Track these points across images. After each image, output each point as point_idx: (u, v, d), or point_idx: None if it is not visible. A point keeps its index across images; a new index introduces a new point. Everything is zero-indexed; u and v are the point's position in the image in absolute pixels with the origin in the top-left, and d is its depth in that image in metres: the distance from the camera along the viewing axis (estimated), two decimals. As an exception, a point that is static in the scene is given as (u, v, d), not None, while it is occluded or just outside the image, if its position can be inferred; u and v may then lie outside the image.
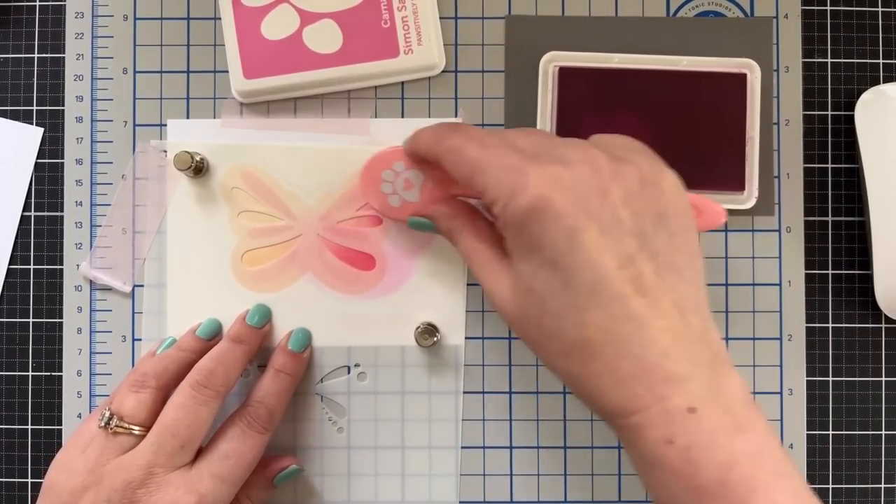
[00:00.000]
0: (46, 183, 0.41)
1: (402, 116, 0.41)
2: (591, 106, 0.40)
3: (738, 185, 0.40)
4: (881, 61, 0.42)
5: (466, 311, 0.41)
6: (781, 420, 0.41)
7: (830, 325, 0.41)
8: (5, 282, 0.41)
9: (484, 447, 0.41)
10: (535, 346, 0.31)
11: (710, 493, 0.27)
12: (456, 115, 0.41)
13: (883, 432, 0.41)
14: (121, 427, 0.34)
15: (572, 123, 0.40)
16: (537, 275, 0.30)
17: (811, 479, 0.41)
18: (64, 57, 0.41)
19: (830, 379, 0.41)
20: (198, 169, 0.40)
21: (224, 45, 0.41)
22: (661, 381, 0.28)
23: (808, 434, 0.41)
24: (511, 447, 0.41)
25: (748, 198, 0.40)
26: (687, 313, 0.29)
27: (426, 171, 0.37)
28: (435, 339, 0.40)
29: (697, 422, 0.27)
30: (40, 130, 0.41)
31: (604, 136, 0.33)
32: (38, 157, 0.41)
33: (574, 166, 0.30)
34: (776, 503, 0.27)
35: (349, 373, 0.41)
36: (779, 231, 0.41)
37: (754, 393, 0.41)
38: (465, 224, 0.35)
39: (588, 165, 0.30)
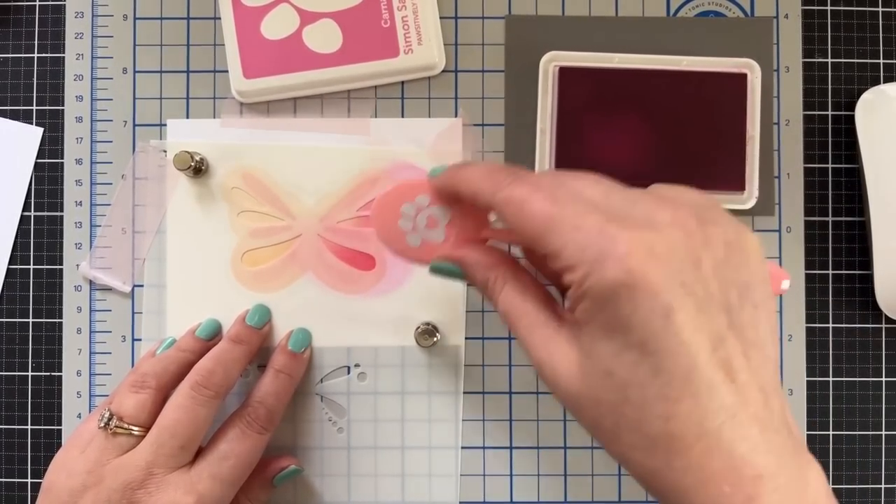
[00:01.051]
0: (46, 183, 0.41)
1: (402, 116, 0.41)
2: (592, 106, 0.40)
3: (738, 185, 0.40)
4: (881, 61, 0.42)
5: (466, 311, 0.41)
6: (782, 420, 0.41)
7: (831, 325, 0.41)
8: (5, 282, 0.41)
9: (484, 447, 0.41)
10: (603, 433, 0.27)
11: None
12: (456, 115, 0.41)
13: (883, 432, 0.41)
14: (120, 428, 0.34)
15: (572, 123, 0.40)
16: (620, 357, 0.26)
17: (811, 479, 0.41)
18: (64, 57, 0.41)
19: (831, 379, 0.41)
20: (197, 169, 0.40)
21: (224, 44, 0.40)
22: (750, 479, 0.25)
23: (808, 434, 0.41)
24: (511, 447, 0.41)
25: (748, 198, 0.40)
26: (770, 397, 0.26)
27: (455, 208, 0.32)
28: (435, 339, 0.40)
29: None
30: (40, 130, 0.41)
31: (674, 190, 0.29)
32: (37, 157, 0.41)
33: (665, 231, 0.26)
34: None
35: (349, 373, 0.41)
36: (779, 231, 0.41)
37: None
38: (508, 277, 0.30)
39: (680, 230, 0.26)
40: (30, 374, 0.41)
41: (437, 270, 0.32)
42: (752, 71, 0.40)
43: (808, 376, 0.41)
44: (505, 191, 0.29)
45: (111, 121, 0.41)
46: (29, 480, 0.40)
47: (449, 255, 0.32)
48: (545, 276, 0.33)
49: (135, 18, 0.41)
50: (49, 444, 0.41)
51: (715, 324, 0.26)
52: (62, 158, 0.41)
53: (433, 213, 0.33)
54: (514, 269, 0.31)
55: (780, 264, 0.41)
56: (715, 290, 0.26)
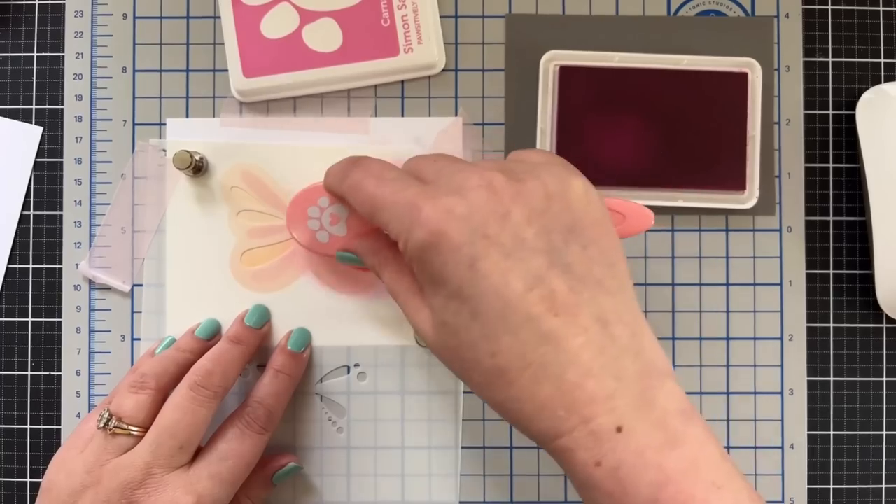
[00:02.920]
0: (45, 182, 0.41)
1: (402, 115, 0.41)
2: (592, 105, 0.40)
3: (739, 184, 0.40)
4: (882, 60, 0.41)
5: (466, 311, 0.41)
6: (782, 420, 0.41)
7: (831, 325, 0.41)
8: (4, 281, 0.41)
9: (484, 447, 0.41)
10: (460, 377, 0.31)
11: None
12: (456, 115, 0.41)
13: (883, 432, 0.41)
14: (120, 428, 0.34)
15: (573, 122, 0.40)
16: (447, 308, 0.29)
17: (811, 479, 0.41)
18: (63, 56, 0.41)
19: (831, 379, 0.41)
20: (197, 168, 0.40)
21: (224, 43, 0.40)
22: (584, 401, 0.27)
23: (808, 434, 0.41)
24: (511, 447, 0.41)
25: (749, 197, 0.40)
26: (610, 325, 0.28)
27: (348, 205, 0.36)
28: (435, 338, 0.40)
29: (625, 441, 0.27)
30: (39, 129, 0.41)
31: (518, 152, 0.33)
32: (37, 156, 0.41)
33: (469, 193, 0.29)
34: None
35: (349, 373, 0.41)
36: (780, 231, 0.41)
37: (755, 393, 0.41)
38: (388, 258, 0.34)
39: (484, 190, 0.29)
40: (29, 373, 0.41)
41: (342, 259, 0.37)
42: (753, 70, 0.40)
43: (808, 376, 0.41)
44: (346, 180, 0.33)
45: (111, 120, 0.41)
46: (28, 480, 0.40)
47: (345, 247, 0.37)
48: None
49: (134, 17, 0.41)
50: (48, 443, 0.40)
51: (528, 266, 0.28)
52: (61, 157, 0.41)
53: (334, 211, 0.37)
54: (393, 251, 0.34)
55: (781, 264, 0.41)
56: (529, 236, 0.28)
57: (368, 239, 0.36)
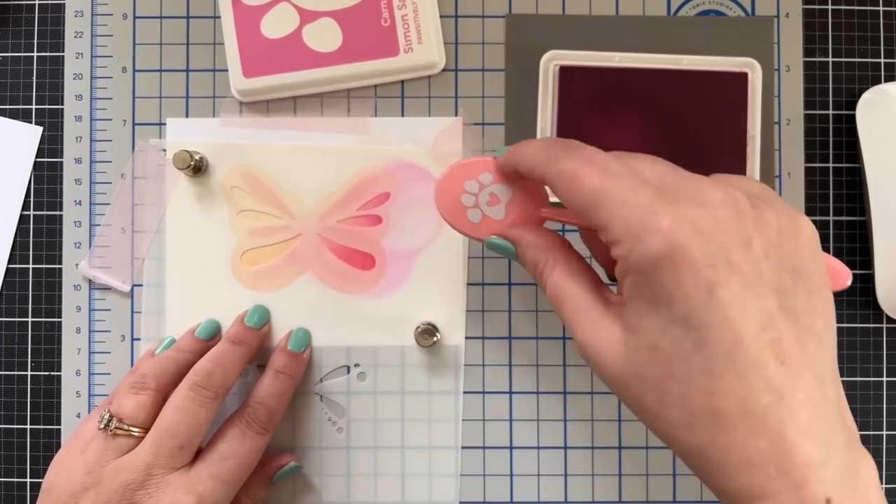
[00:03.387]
0: (45, 182, 0.41)
1: (402, 115, 0.41)
2: (592, 105, 0.40)
3: (738, 184, 0.40)
4: (882, 60, 0.41)
5: (466, 311, 0.41)
6: (782, 420, 0.41)
7: (831, 325, 0.41)
8: (4, 281, 0.41)
9: (484, 447, 0.41)
10: (647, 412, 0.27)
11: None
12: (456, 115, 0.41)
13: (883, 432, 0.41)
14: (120, 429, 0.34)
15: (573, 122, 0.40)
16: (665, 332, 0.26)
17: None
18: (63, 56, 0.41)
19: (831, 379, 0.41)
20: (197, 168, 0.40)
21: (223, 43, 0.40)
22: (798, 465, 0.24)
23: (808, 434, 0.41)
24: (511, 447, 0.41)
25: (749, 197, 0.40)
26: (825, 384, 0.26)
27: (517, 188, 0.33)
28: (435, 339, 0.40)
29: None
30: (39, 129, 0.41)
31: (733, 177, 0.29)
32: (37, 156, 0.41)
33: (715, 209, 0.26)
34: None
35: (349, 373, 0.41)
36: (780, 231, 0.41)
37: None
38: (558, 260, 0.30)
39: (730, 208, 0.26)
40: (29, 373, 0.41)
41: (492, 246, 0.33)
42: (753, 70, 0.40)
43: (808, 376, 0.41)
44: (559, 164, 0.29)
45: (110, 120, 0.41)
46: (28, 480, 0.40)
47: (505, 233, 0.32)
48: (599, 260, 0.33)
49: (134, 17, 0.41)
50: (48, 443, 0.40)
51: (764, 304, 0.25)
52: (61, 157, 0.41)
53: (495, 191, 0.33)
54: (565, 253, 0.31)
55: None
56: (766, 271, 0.26)
57: (534, 232, 0.32)
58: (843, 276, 0.31)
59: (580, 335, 0.28)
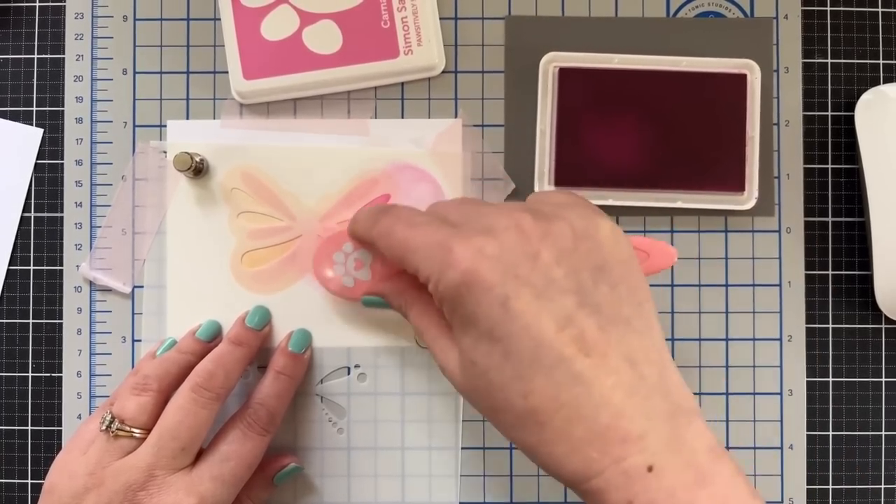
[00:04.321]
0: (46, 184, 0.41)
1: (402, 117, 0.41)
2: (592, 106, 0.40)
3: (738, 185, 0.40)
4: (881, 62, 0.42)
5: (466, 312, 0.41)
6: (782, 421, 0.41)
7: (830, 325, 0.41)
8: (5, 283, 0.41)
9: (484, 448, 0.41)
10: (488, 417, 0.30)
11: None
12: (456, 116, 0.41)
13: (883, 433, 0.41)
14: (122, 430, 0.34)
15: (572, 124, 0.40)
16: (477, 348, 0.29)
17: (810, 479, 0.41)
18: (64, 58, 0.41)
19: (830, 379, 0.41)
20: (197, 170, 0.40)
21: (224, 45, 0.40)
22: (616, 441, 0.27)
23: (808, 434, 0.41)
24: (511, 448, 0.41)
25: (748, 198, 0.40)
26: (639, 365, 0.28)
27: (373, 250, 0.36)
28: (435, 339, 0.40)
29: (657, 480, 0.27)
30: (40, 131, 0.41)
31: (539, 195, 0.33)
32: (37, 158, 0.41)
33: (499, 234, 0.29)
34: None
35: (349, 374, 0.41)
36: (779, 232, 0.41)
37: (754, 394, 0.41)
38: (414, 299, 0.34)
39: (513, 231, 0.29)
40: (30, 374, 0.41)
41: (367, 303, 0.38)
42: (752, 72, 0.40)
43: (808, 377, 0.41)
44: (376, 225, 0.34)
45: (111, 122, 0.41)
46: (29, 481, 0.41)
47: (370, 290, 0.37)
48: None
49: (135, 19, 0.41)
50: (49, 445, 0.41)
51: (559, 306, 0.28)
52: (62, 159, 0.41)
53: (359, 257, 0.38)
54: (418, 292, 0.34)
55: (780, 264, 0.41)
56: (559, 276, 0.29)
57: (392, 281, 0.36)
58: (669, 253, 0.35)
59: (436, 359, 0.32)
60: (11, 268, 0.41)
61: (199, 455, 0.35)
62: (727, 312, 0.41)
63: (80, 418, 0.40)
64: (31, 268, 0.41)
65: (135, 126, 0.41)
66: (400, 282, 0.36)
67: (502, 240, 0.29)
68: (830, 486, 0.41)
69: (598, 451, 0.27)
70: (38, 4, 0.41)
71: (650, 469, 0.27)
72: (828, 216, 0.41)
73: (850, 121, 0.40)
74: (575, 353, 0.28)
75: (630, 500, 0.27)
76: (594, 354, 0.28)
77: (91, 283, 0.41)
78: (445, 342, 0.32)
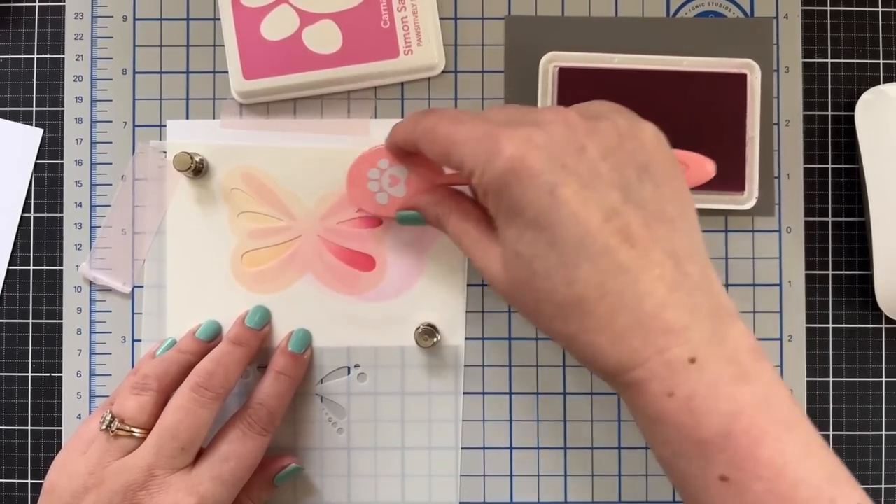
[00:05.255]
0: (46, 184, 0.41)
1: (402, 117, 0.41)
2: (591, 106, 0.40)
3: (738, 185, 0.40)
4: (881, 61, 0.42)
5: (466, 312, 0.41)
6: (781, 420, 0.41)
7: (831, 325, 0.41)
8: (5, 282, 0.41)
9: (484, 448, 0.41)
10: (529, 313, 0.30)
11: (714, 446, 0.27)
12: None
13: (883, 432, 0.41)
14: (122, 430, 0.34)
15: (572, 124, 0.40)
16: (522, 238, 0.29)
17: (811, 479, 0.41)
18: (63, 58, 0.41)
19: (831, 379, 0.41)
20: (197, 170, 0.40)
21: (224, 45, 0.40)
22: (659, 332, 0.27)
23: (808, 434, 0.41)
24: (511, 447, 0.41)
25: (748, 198, 0.40)
26: (683, 262, 0.28)
27: (410, 164, 0.37)
28: (435, 339, 0.40)
29: (699, 372, 0.27)
30: (40, 131, 0.41)
31: (582, 103, 0.33)
32: (37, 158, 0.41)
33: (547, 126, 0.29)
34: (783, 453, 0.26)
35: (349, 373, 0.41)
36: (779, 231, 0.41)
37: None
38: (452, 207, 0.35)
39: (561, 124, 0.29)
40: (30, 374, 0.41)
41: (402, 219, 0.37)
42: (752, 71, 0.40)
43: (808, 376, 0.41)
44: (420, 125, 0.33)
45: (111, 122, 0.41)
46: (29, 481, 0.41)
47: (406, 204, 0.37)
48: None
49: (134, 19, 0.41)
50: (49, 444, 0.41)
51: (605, 198, 0.28)
52: (62, 159, 0.41)
53: (394, 173, 0.37)
54: (457, 200, 0.35)
55: (780, 264, 0.41)
56: (604, 170, 0.29)
57: (429, 193, 0.36)
58: (707, 166, 0.35)
59: (476, 262, 0.32)
60: (11, 268, 0.41)
61: (199, 455, 0.35)
62: (727, 312, 0.41)
63: (79, 418, 0.40)
64: (31, 268, 0.41)
65: (134, 126, 0.41)
66: (437, 192, 0.36)
67: (549, 131, 0.29)
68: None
69: (640, 341, 0.27)
70: (37, 4, 0.41)
71: (693, 361, 0.27)
72: (828, 216, 0.41)
73: (851, 120, 0.40)
74: (620, 243, 0.28)
75: (671, 391, 0.27)
76: (638, 246, 0.28)
77: (91, 283, 0.41)
78: (486, 242, 0.32)
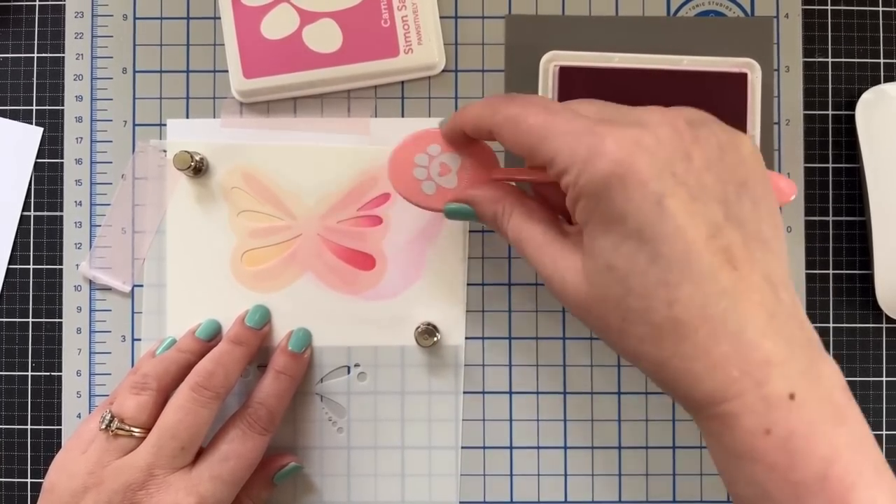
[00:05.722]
0: (46, 182, 0.41)
1: (402, 116, 0.41)
2: (592, 105, 0.40)
3: (738, 184, 0.40)
4: (882, 61, 0.41)
5: (466, 311, 0.41)
6: (782, 420, 0.41)
7: (831, 324, 0.41)
8: (5, 281, 0.41)
9: (484, 447, 0.41)
10: (612, 333, 0.28)
11: (808, 490, 0.25)
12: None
13: (883, 432, 0.41)
14: (122, 429, 0.34)
15: (572, 123, 0.40)
16: (619, 249, 0.27)
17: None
18: (64, 56, 0.41)
19: (831, 379, 0.41)
20: (197, 169, 0.40)
21: (224, 44, 0.40)
22: (759, 363, 0.25)
23: (808, 434, 0.41)
24: (511, 447, 0.41)
25: (749, 198, 0.40)
26: (778, 288, 0.27)
27: (465, 153, 0.34)
28: (435, 339, 0.40)
29: (798, 410, 0.25)
30: (40, 130, 0.41)
31: (672, 108, 0.30)
32: (37, 157, 0.41)
33: (654, 128, 0.27)
34: (874, 500, 0.25)
35: (349, 373, 0.41)
36: (779, 231, 0.41)
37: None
38: (514, 205, 0.32)
39: (668, 128, 0.27)
40: (29, 373, 0.41)
41: (451, 213, 0.34)
42: (753, 71, 0.40)
43: (808, 376, 0.41)
44: (501, 111, 0.30)
45: (111, 121, 0.41)
46: (29, 480, 0.41)
47: (459, 197, 0.34)
48: (553, 204, 0.33)
49: (134, 18, 0.41)
50: (49, 444, 0.41)
51: (710, 212, 0.26)
52: (62, 158, 0.41)
53: (445, 161, 0.34)
54: (519, 198, 0.32)
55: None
56: (709, 182, 0.27)
57: (487, 187, 0.33)
58: (788, 192, 0.32)
59: (544, 270, 0.30)
60: (11, 266, 0.41)
61: (199, 454, 0.35)
62: (727, 312, 0.41)
63: (79, 417, 0.40)
64: (31, 267, 0.41)
65: (135, 125, 0.41)
66: (496, 187, 0.33)
67: (658, 134, 0.27)
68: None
69: (739, 371, 0.25)
70: (37, 3, 0.41)
71: (792, 397, 0.25)
72: (828, 215, 0.41)
73: (851, 120, 0.40)
74: (723, 263, 0.26)
75: (767, 428, 0.25)
76: (740, 270, 0.26)
77: (91, 282, 0.41)
78: (558, 249, 0.29)
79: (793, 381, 0.25)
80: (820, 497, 0.25)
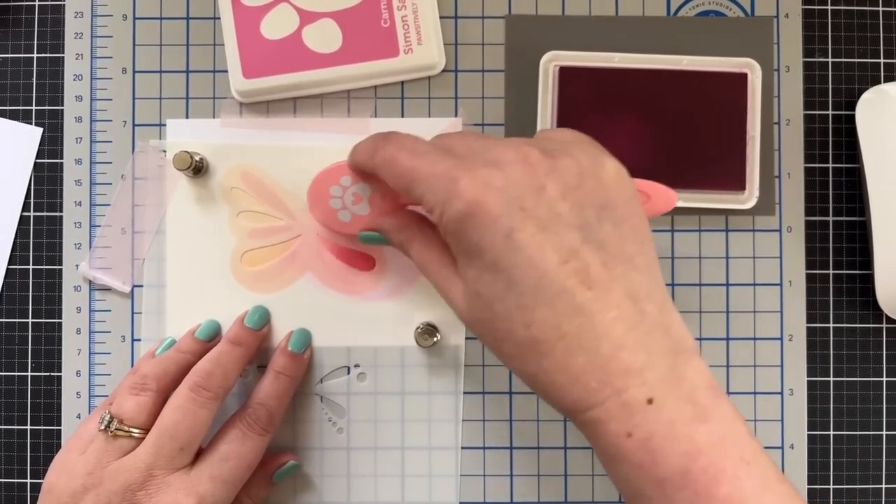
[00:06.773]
0: (45, 183, 0.41)
1: (402, 116, 0.41)
2: (592, 106, 0.40)
3: (738, 184, 0.40)
4: (882, 61, 0.41)
5: (466, 312, 0.41)
6: (782, 420, 0.41)
7: (831, 325, 0.41)
8: (4, 282, 0.41)
9: (484, 448, 0.41)
10: (493, 350, 0.31)
11: (673, 485, 0.27)
12: (456, 115, 0.41)
13: (883, 432, 0.41)
14: (121, 430, 0.34)
15: (572, 123, 0.40)
16: (481, 279, 0.29)
17: (811, 479, 0.41)
18: (63, 57, 0.41)
19: (831, 379, 0.41)
20: (197, 169, 0.40)
21: (223, 44, 0.40)
22: (616, 373, 0.28)
23: (808, 434, 0.41)
24: (511, 447, 0.41)
25: (749, 198, 0.40)
26: (641, 301, 0.29)
27: (373, 183, 0.36)
28: (435, 339, 0.40)
29: (656, 412, 0.27)
30: (39, 130, 0.41)
31: (546, 131, 0.33)
32: (37, 157, 0.41)
33: (506, 167, 0.29)
34: (741, 490, 0.27)
35: (349, 373, 0.41)
36: (779, 231, 0.41)
37: (755, 393, 0.41)
38: (415, 233, 0.34)
39: (520, 164, 0.29)
40: (29, 374, 0.41)
41: (365, 239, 0.37)
42: (753, 71, 0.40)
43: (808, 376, 0.41)
44: (379, 153, 0.33)
45: (111, 121, 0.41)
46: (28, 481, 0.40)
47: (369, 225, 0.37)
48: None
49: (134, 18, 0.41)
50: (48, 444, 0.41)
51: (563, 240, 0.28)
52: (61, 158, 0.41)
53: (356, 191, 0.37)
54: (420, 226, 0.35)
55: (781, 264, 0.41)
56: (564, 211, 0.29)
57: (393, 216, 0.36)
58: (671, 195, 0.36)
59: (440, 292, 0.32)
60: (11, 267, 0.41)
61: (199, 455, 0.35)
62: (728, 312, 0.41)
63: (79, 418, 0.40)
64: (31, 267, 0.41)
65: (134, 125, 0.41)
66: (401, 216, 0.36)
67: (509, 172, 0.29)
68: (831, 486, 0.41)
69: (598, 382, 0.28)
70: (37, 3, 0.41)
71: (650, 401, 0.27)
72: (829, 215, 0.41)
73: (851, 120, 0.40)
74: (577, 285, 0.28)
75: (629, 432, 0.27)
76: (596, 288, 0.28)
77: (90, 283, 0.41)
78: (449, 275, 0.32)
79: (651, 386, 0.28)
80: (685, 491, 0.27)
